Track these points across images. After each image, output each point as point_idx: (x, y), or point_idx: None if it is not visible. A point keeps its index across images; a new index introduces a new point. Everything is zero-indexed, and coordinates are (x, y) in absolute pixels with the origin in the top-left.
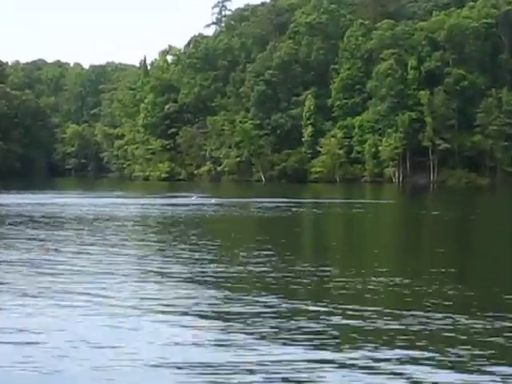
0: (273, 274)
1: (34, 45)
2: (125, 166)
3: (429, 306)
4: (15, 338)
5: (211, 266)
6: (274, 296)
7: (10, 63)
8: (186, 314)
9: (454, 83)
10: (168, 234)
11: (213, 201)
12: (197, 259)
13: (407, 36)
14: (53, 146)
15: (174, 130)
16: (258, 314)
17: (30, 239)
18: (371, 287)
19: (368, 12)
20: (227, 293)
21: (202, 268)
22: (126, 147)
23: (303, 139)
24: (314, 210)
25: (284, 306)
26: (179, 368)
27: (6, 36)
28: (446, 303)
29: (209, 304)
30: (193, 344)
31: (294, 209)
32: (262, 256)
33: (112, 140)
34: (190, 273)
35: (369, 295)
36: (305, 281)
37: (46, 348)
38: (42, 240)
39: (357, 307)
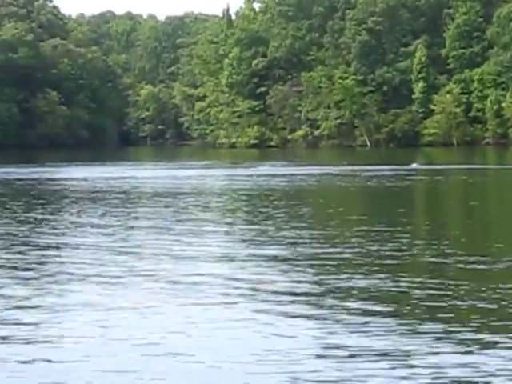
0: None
1: None
2: (207, 131)
3: None
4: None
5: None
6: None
7: (73, 17)
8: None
9: None
10: (273, 209)
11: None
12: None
13: None
14: (124, 110)
15: (263, 88)
16: None
17: (103, 219)
18: None
19: None
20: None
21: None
22: (208, 110)
23: (414, 96)
24: (450, 178)
25: None
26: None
27: None
28: None
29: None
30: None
31: (419, 177)
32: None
33: (192, 102)
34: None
35: None
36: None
37: None
38: (116, 222)
39: None
